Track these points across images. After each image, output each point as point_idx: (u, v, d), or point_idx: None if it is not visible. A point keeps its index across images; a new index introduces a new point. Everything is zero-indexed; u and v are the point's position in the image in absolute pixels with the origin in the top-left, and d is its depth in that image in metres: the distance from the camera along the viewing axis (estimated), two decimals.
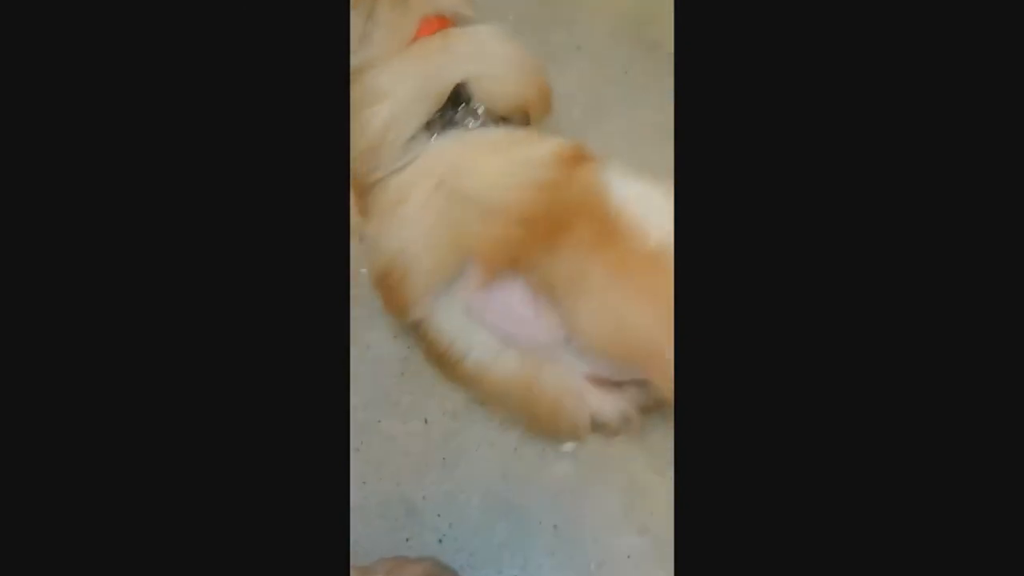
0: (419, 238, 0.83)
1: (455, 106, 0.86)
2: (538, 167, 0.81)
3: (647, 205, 0.79)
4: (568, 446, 0.98)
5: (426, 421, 1.01)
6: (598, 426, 0.92)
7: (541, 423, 0.90)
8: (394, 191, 0.85)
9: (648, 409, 0.91)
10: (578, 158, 0.83)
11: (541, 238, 0.79)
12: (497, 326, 0.85)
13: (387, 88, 0.85)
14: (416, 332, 0.94)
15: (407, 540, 0.93)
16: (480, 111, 0.87)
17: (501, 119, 0.88)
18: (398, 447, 0.99)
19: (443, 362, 0.90)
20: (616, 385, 0.88)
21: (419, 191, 0.83)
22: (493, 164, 0.83)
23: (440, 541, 0.93)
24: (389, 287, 0.87)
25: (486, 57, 0.88)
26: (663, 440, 0.99)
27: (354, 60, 0.86)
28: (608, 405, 0.89)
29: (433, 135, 0.85)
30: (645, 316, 0.76)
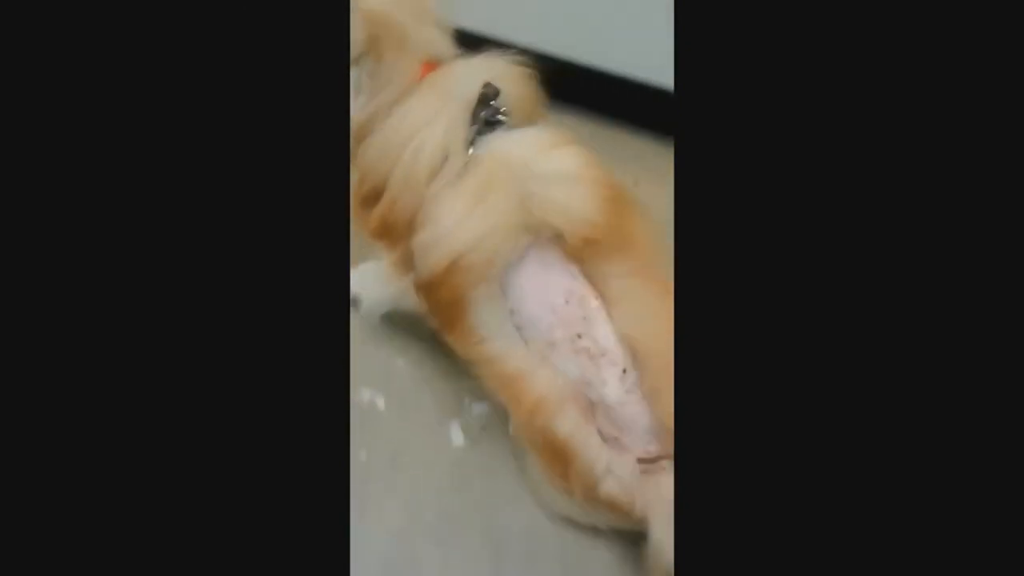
0: (490, 227, 0.84)
1: (486, 104, 0.89)
2: (602, 169, 0.87)
3: None
4: None
5: None
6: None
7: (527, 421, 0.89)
8: (461, 194, 0.86)
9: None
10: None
11: (608, 238, 0.83)
12: (524, 304, 0.86)
13: (419, 116, 0.88)
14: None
15: None
16: (505, 110, 0.89)
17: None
18: None
19: (462, 339, 0.90)
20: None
21: (494, 182, 0.85)
22: (568, 150, 0.87)
23: None
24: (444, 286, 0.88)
25: (491, 68, 0.92)
26: None
27: (362, 113, 0.90)
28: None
29: (475, 137, 0.88)
30: None
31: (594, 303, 0.85)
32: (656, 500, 0.82)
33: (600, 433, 0.85)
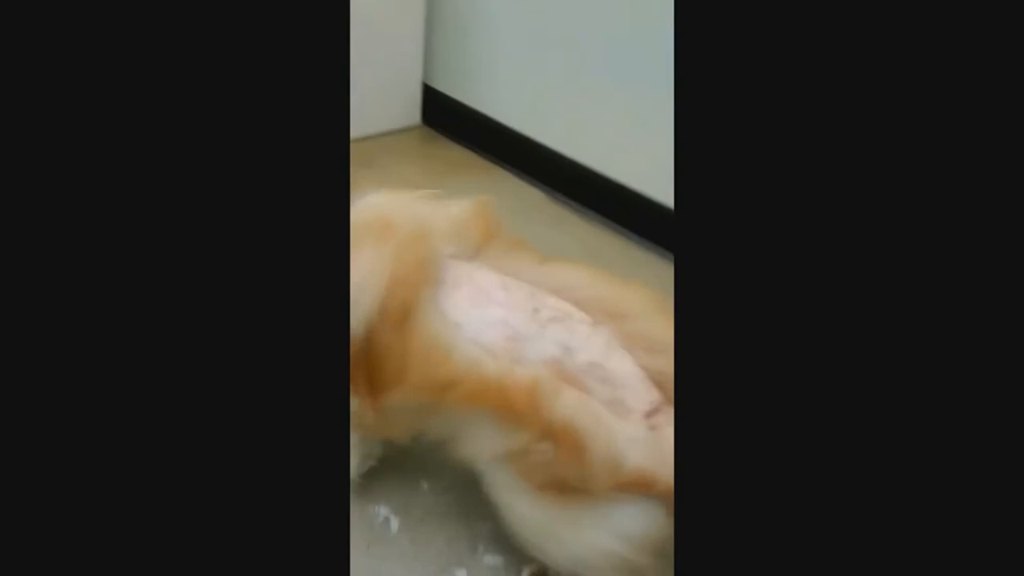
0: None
1: None
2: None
3: None
4: None
5: None
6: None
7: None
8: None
9: None
10: None
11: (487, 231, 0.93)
12: (469, 314, 0.84)
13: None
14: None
15: None
16: None
17: None
18: None
19: (427, 366, 0.85)
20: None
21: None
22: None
23: None
24: None
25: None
26: None
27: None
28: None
29: None
30: None
31: (526, 284, 0.87)
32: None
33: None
